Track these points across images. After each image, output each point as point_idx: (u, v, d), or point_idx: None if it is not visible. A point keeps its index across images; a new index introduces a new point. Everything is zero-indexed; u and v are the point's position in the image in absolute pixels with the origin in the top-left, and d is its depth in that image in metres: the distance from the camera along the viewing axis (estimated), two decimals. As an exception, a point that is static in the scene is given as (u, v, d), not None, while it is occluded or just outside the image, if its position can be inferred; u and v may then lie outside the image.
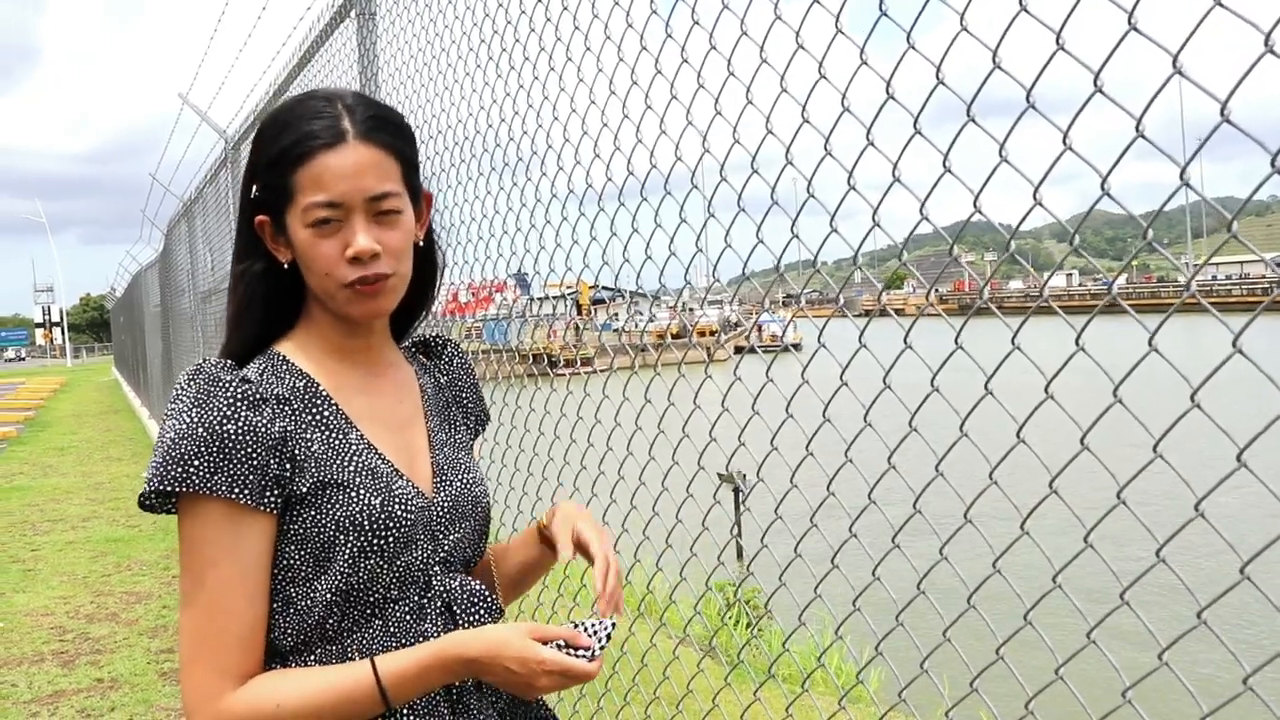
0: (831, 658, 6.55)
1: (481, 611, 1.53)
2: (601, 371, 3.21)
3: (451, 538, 1.54)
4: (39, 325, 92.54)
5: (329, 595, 1.41)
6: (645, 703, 2.97)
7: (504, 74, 3.06)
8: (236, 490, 1.34)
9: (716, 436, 2.41)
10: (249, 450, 1.35)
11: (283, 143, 1.41)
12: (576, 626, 1.42)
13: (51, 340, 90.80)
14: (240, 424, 1.35)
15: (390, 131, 1.45)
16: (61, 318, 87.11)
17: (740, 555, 9.38)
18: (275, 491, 1.38)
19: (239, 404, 1.36)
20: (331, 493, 1.40)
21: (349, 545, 1.40)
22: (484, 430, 1.80)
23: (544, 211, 3.01)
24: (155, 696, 5.45)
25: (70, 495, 12.33)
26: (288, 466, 1.39)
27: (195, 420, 1.34)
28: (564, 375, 3.36)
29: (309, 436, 1.42)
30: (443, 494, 1.54)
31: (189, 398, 1.36)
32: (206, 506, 1.35)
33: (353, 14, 3.97)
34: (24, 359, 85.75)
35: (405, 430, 1.56)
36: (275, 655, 1.43)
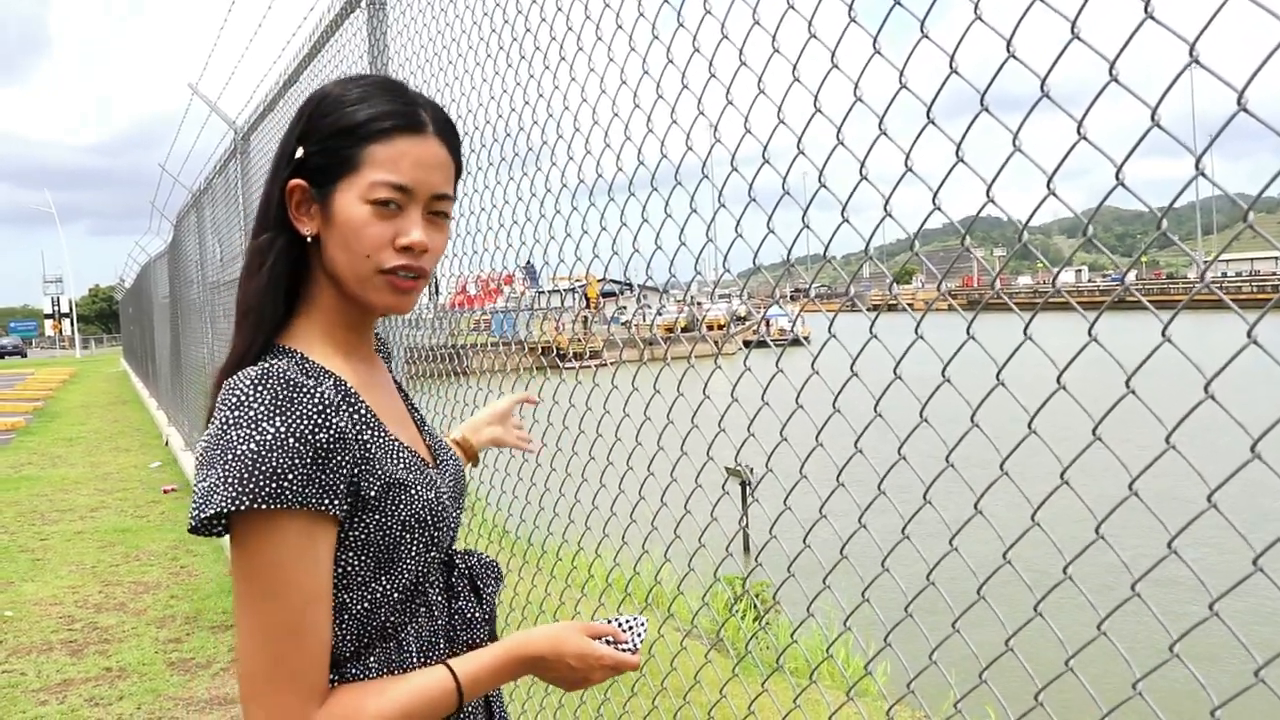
0: (840, 651, 6.55)
1: (494, 580, 1.60)
2: (610, 364, 3.21)
3: (456, 514, 1.56)
4: (48, 316, 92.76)
5: (394, 594, 1.39)
6: (653, 694, 2.97)
7: (514, 64, 3.06)
8: (327, 501, 1.26)
9: (725, 427, 2.40)
10: (340, 458, 1.28)
11: (362, 114, 1.37)
12: (611, 622, 1.50)
13: (60, 331, 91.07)
14: (332, 430, 1.27)
15: (454, 135, 1.46)
16: (70, 309, 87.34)
17: (748, 549, 9.38)
18: (350, 498, 1.31)
19: (328, 409, 1.28)
20: (396, 493, 1.37)
21: (415, 542, 1.40)
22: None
23: (554, 202, 3.01)
24: (163, 686, 5.47)
25: (79, 485, 12.38)
26: (357, 471, 1.32)
27: (285, 430, 1.24)
28: (573, 368, 3.36)
29: (365, 438, 1.36)
30: (446, 474, 1.56)
31: (263, 405, 1.25)
32: (289, 520, 1.25)
33: (363, 4, 3.97)
34: (21, 353, 79.24)
35: (404, 420, 1.56)
36: (330, 665, 1.35)
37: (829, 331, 2.00)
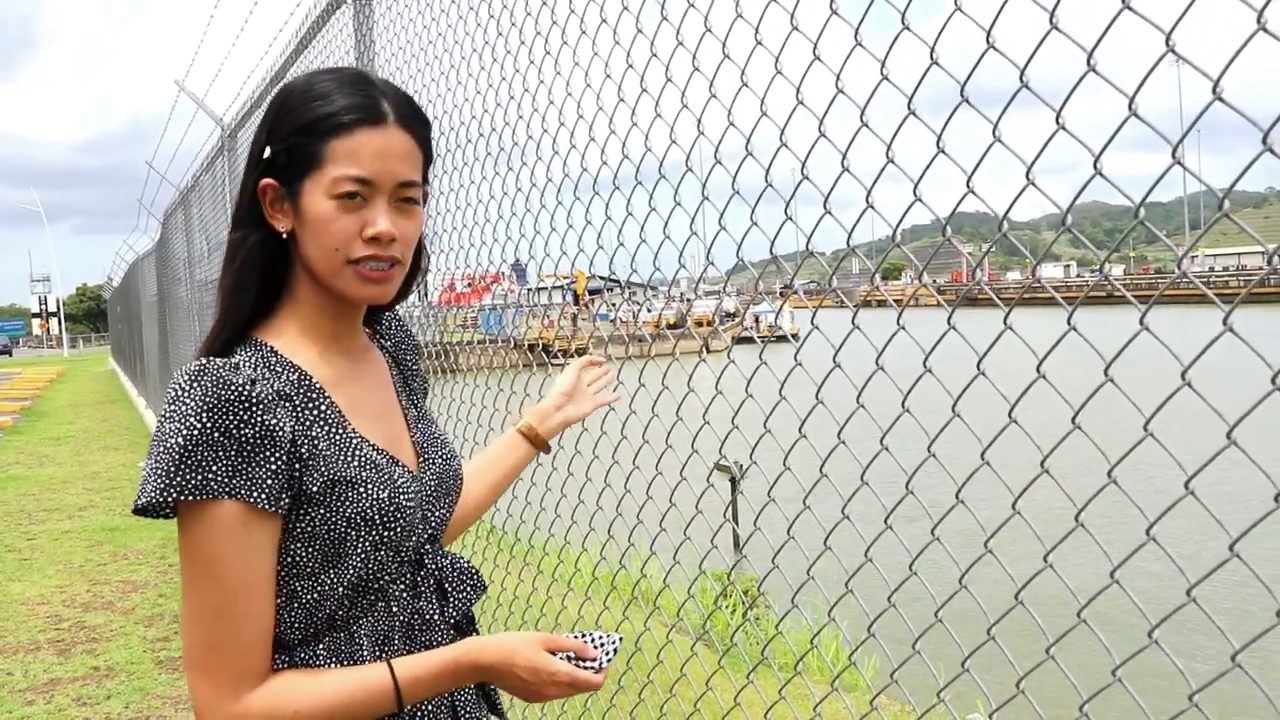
0: (828, 645, 6.56)
1: (468, 588, 1.57)
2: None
3: (438, 514, 1.56)
4: (35, 315, 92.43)
5: (340, 589, 1.41)
6: (639, 687, 2.97)
7: (499, 58, 3.06)
8: (256, 494, 1.31)
9: (710, 420, 2.41)
10: (267, 454, 1.32)
11: (321, 110, 1.38)
12: (583, 638, 1.47)
13: (48, 330, 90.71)
14: (257, 427, 1.32)
15: (421, 122, 1.46)
16: (58, 308, 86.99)
17: (737, 544, 9.40)
18: (288, 493, 1.36)
19: (254, 407, 1.32)
20: (341, 490, 1.39)
21: (361, 540, 1.41)
22: (428, 391, 1.81)
23: (539, 196, 3.01)
24: (151, 685, 5.45)
25: (67, 485, 12.33)
26: (297, 466, 1.36)
27: (210, 425, 1.29)
28: (560, 364, 3.36)
29: (314, 434, 1.39)
30: (428, 473, 1.55)
31: (195, 401, 1.31)
32: (219, 510, 1.31)
33: None
34: (8, 352, 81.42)
35: (387, 416, 1.56)
36: (281, 648, 1.41)
37: (811, 323, 2.00)
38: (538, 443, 1.97)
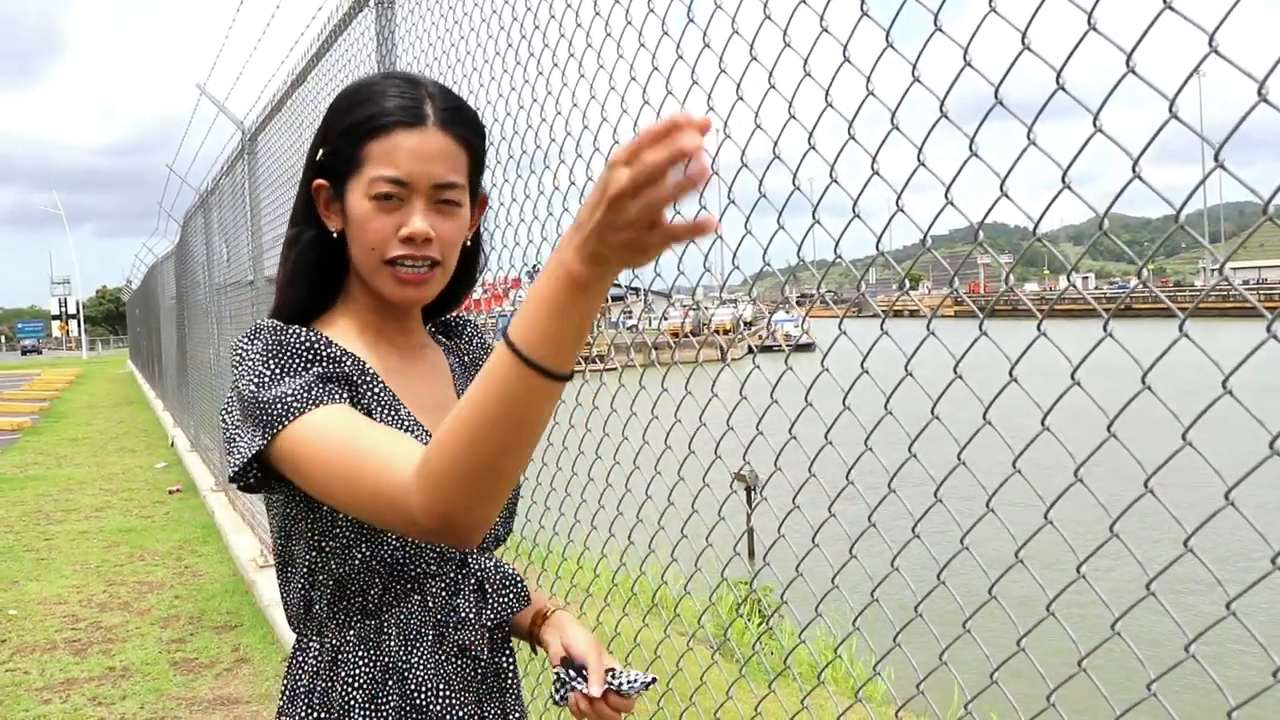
0: (847, 653, 6.53)
1: (511, 595, 1.55)
2: (618, 367, 3.20)
3: None
4: (55, 317, 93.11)
5: (374, 563, 1.42)
6: (658, 695, 2.95)
7: (522, 61, 3.05)
8: (329, 389, 1.32)
9: (734, 425, 2.39)
10: (335, 385, 1.34)
11: (362, 112, 1.42)
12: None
13: (68, 332, 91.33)
14: (325, 363, 1.36)
15: (468, 126, 1.47)
16: (78, 310, 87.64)
17: (753, 555, 9.36)
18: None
19: (316, 344, 1.38)
20: None
21: None
22: None
23: (561, 200, 3.00)
24: (166, 685, 5.46)
25: (84, 485, 12.39)
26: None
27: (276, 368, 1.33)
28: (580, 370, 3.35)
29: (369, 406, 1.42)
30: None
31: (258, 353, 1.35)
32: (308, 420, 1.27)
33: (371, 3, 3.97)
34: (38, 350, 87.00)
35: (439, 412, 1.54)
36: (315, 625, 1.47)
37: (839, 328, 1.98)
38: (528, 630, 1.66)
